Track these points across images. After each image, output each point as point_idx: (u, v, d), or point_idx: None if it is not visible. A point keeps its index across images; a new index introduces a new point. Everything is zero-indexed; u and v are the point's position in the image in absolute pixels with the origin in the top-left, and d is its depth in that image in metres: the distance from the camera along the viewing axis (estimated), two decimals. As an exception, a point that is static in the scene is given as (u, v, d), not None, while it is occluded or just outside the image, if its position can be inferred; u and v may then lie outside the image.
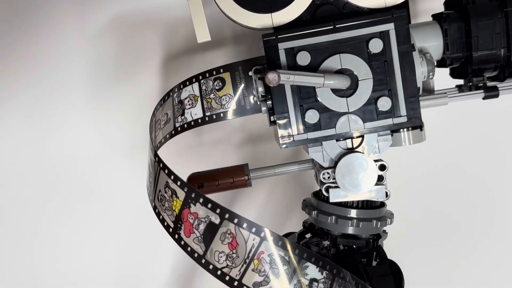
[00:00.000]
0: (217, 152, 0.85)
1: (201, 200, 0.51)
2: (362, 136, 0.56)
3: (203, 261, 0.51)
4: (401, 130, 0.60)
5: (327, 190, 0.57)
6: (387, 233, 0.62)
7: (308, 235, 0.64)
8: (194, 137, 0.85)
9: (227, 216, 0.50)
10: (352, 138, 0.57)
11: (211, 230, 0.50)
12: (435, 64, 0.57)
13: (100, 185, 0.86)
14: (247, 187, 0.64)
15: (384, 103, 0.54)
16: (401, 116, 0.55)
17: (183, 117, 0.61)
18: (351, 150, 0.57)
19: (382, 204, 0.61)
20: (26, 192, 0.87)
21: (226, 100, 0.61)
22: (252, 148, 0.86)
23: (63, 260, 0.88)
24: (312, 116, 0.55)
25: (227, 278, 0.50)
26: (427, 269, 0.89)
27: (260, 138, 0.86)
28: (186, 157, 0.83)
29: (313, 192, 0.63)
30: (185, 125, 0.61)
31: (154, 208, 0.56)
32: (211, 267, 0.51)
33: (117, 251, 0.88)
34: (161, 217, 0.55)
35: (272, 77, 0.49)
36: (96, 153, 0.85)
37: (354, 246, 0.59)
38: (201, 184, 0.63)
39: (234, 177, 0.63)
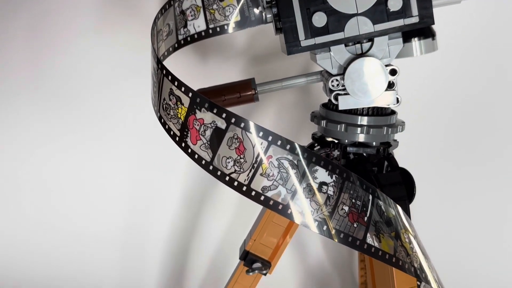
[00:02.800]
0: (223, 73, 0.83)
1: (206, 105, 0.50)
2: (371, 40, 0.54)
3: (211, 167, 0.50)
4: (413, 39, 0.57)
5: (336, 98, 0.56)
6: (398, 142, 0.60)
7: (317, 148, 0.63)
8: (199, 57, 0.83)
9: (233, 120, 0.49)
10: (361, 42, 0.55)
11: (217, 136, 0.49)
12: (449, -41, 0.54)
13: (107, 103, 0.86)
14: (254, 102, 0.63)
15: (394, 3, 0.52)
16: (412, 16, 0.53)
17: (185, 29, 0.59)
18: (361, 55, 0.55)
19: (393, 112, 0.59)
20: (34, 116, 0.86)
21: (229, 11, 0.58)
22: (259, 68, 0.84)
23: (72, 185, 0.89)
24: (319, 19, 0.53)
25: (236, 183, 0.49)
26: (437, 180, 0.88)
27: (266, 59, 0.84)
28: (190, 76, 0.81)
29: (322, 103, 0.62)
30: (188, 38, 0.59)
31: (160, 118, 0.55)
32: (219, 173, 0.50)
33: (127, 173, 0.88)
34: (167, 126, 0.54)
35: (276, -27, 0.47)
36: (102, 71, 0.84)
37: (365, 154, 0.58)
38: (207, 99, 0.62)
39: (241, 91, 0.62)
